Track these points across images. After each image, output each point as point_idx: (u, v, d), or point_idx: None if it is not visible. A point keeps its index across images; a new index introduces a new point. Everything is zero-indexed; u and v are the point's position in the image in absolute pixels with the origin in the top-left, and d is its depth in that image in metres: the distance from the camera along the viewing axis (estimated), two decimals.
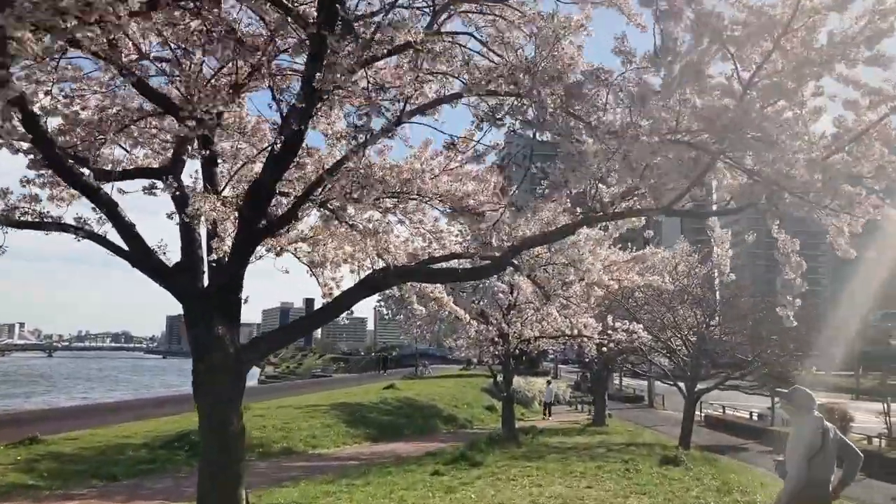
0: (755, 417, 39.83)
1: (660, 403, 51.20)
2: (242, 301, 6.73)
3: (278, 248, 9.22)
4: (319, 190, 7.11)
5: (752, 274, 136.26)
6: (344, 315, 8.89)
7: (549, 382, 43.67)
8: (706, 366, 27.70)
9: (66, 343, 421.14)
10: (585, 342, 22.50)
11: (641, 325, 20.80)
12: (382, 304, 21.40)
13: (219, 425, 6.53)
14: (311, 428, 23.12)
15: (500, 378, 25.46)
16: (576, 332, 21.61)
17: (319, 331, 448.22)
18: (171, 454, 16.90)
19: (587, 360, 36.31)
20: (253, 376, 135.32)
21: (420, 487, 13.19)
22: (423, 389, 40.36)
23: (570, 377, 72.38)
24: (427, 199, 8.30)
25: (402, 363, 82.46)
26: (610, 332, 20.94)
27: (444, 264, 8.51)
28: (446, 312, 10.06)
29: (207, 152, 6.69)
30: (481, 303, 20.93)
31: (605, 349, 22.68)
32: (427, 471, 15.26)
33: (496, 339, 21.94)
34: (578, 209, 7.41)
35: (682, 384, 27.42)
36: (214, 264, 6.55)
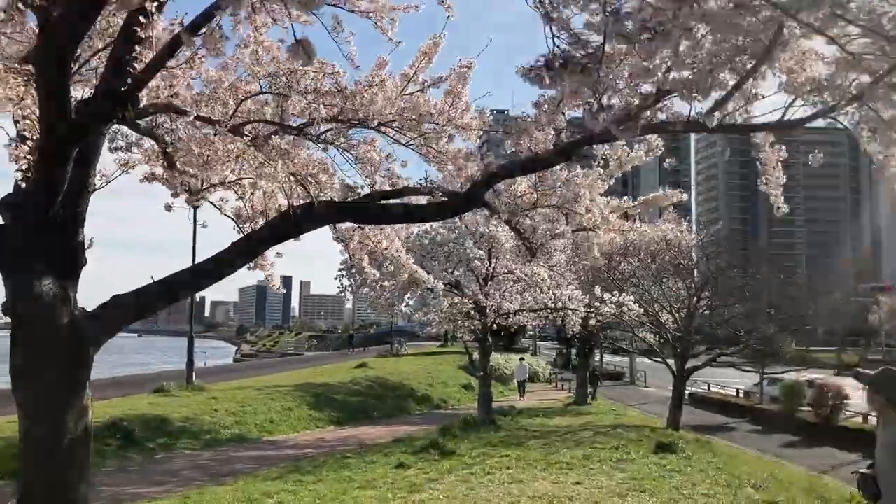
0: (741, 395, 38.47)
1: (641, 380, 49.71)
2: (83, 245, 4.58)
3: (196, 198, 7.09)
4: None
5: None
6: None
7: (522, 360, 40.74)
8: (696, 341, 25.90)
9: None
10: (569, 316, 20.58)
11: (632, 298, 18.92)
12: (343, 273, 19.21)
13: (48, 435, 4.44)
14: (268, 411, 21.02)
15: (475, 356, 23.46)
16: (559, 304, 19.72)
17: (298, 309, 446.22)
18: (99, 444, 14.69)
19: (567, 335, 34.51)
20: (229, 354, 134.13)
21: (380, 485, 11.17)
22: (396, 368, 38.39)
23: (550, 354, 70.88)
24: (378, 123, 6.19)
25: (382, 341, 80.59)
26: (597, 304, 19.05)
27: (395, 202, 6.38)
28: (405, 277, 7.92)
29: None
30: (455, 272, 18.81)
31: (592, 323, 20.80)
32: (391, 463, 13.24)
33: (472, 312, 19.92)
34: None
35: (670, 361, 25.63)
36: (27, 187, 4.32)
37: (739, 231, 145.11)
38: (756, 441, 26.53)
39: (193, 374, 25.62)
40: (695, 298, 24.83)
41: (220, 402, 20.99)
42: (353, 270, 18.16)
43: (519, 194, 6.41)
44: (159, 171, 5.97)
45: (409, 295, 19.61)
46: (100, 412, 17.78)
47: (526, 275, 17.25)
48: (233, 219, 8.44)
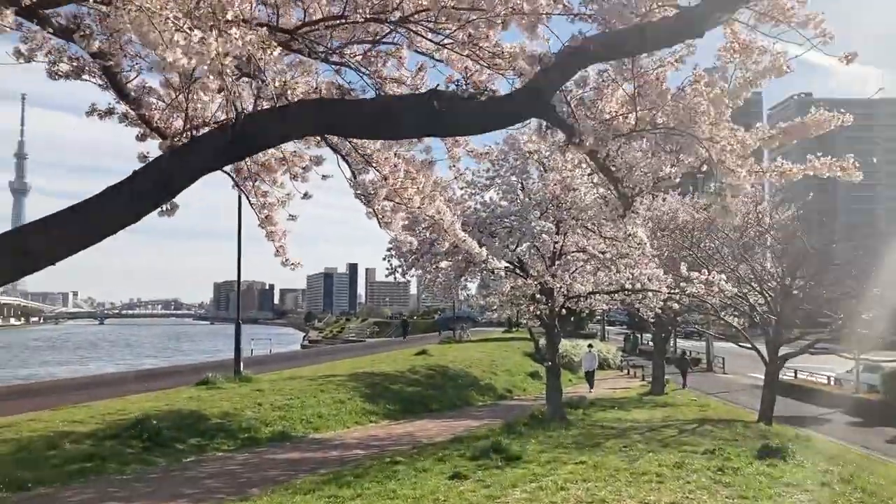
0: (832, 382, 35.22)
1: (720, 367, 46.50)
2: None
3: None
4: None
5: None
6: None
7: (590, 346, 36.81)
8: (792, 325, 23.07)
9: (118, 311, 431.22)
10: (649, 298, 18.17)
11: (723, 276, 16.39)
12: (392, 253, 17.20)
13: None
14: (318, 405, 19.31)
15: (542, 343, 21.23)
16: (638, 285, 17.33)
17: (364, 296, 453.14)
18: (122, 446, 13.19)
19: (638, 319, 31.92)
20: (296, 341, 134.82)
21: (428, 502, 9.21)
22: (458, 355, 36.35)
23: (619, 340, 67.82)
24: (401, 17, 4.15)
25: (446, 327, 79.16)
26: (683, 284, 16.61)
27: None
28: (445, 247, 5.85)
29: None
30: (518, 248, 16.55)
31: (675, 305, 18.33)
32: (445, 471, 11.24)
33: (538, 295, 17.70)
34: None
35: (760, 347, 22.88)
36: None
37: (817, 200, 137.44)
38: (859, 435, 23.63)
39: (241, 363, 24.23)
40: (789, 278, 22.02)
41: (265, 394, 19.40)
42: (404, 249, 16.24)
43: (609, 114, 4.24)
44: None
45: (467, 277, 17.50)
46: (132, 407, 16.42)
47: (602, 252, 14.96)
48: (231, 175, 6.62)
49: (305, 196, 6.40)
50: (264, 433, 15.99)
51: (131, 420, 14.29)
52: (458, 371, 30.55)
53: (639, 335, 62.35)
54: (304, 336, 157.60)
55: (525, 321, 18.31)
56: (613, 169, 4.41)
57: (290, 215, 6.62)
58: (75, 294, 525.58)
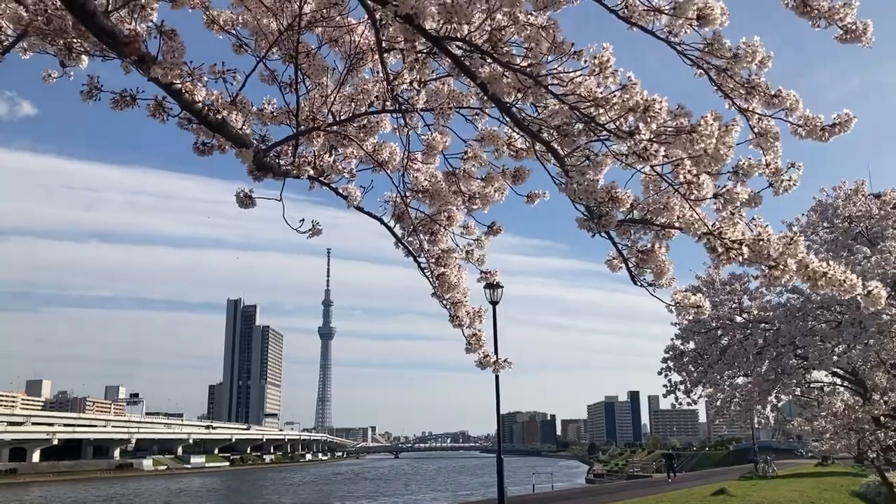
0: None
1: None
2: None
3: None
4: None
5: None
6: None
7: None
8: None
9: (411, 444, 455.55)
10: None
11: None
12: (669, 364, 13.42)
13: None
14: None
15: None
16: None
17: (649, 425, 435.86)
18: None
19: None
20: (579, 474, 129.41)
21: None
22: (767, 495, 29.87)
23: None
24: None
25: (747, 459, 70.15)
26: None
27: None
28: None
29: None
30: (852, 351, 11.76)
31: None
32: None
33: (883, 418, 12.66)
34: None
35: None
36: None
37: None
38: None
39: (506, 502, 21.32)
40: None
41: None
42: (685, 360, 12.53)
43: None
44: None
45: (778, 394, 13.01)
46: None
47: None
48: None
49: None
50: None
51: None
52: None
53: None
54: (589, 470, 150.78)
55: (872, 454, 13.05)
56: None
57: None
58: (373, 429, 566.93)
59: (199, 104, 3.36)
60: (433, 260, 3.94)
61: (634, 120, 2.75)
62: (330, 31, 3.70)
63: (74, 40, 3.33)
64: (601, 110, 2.81)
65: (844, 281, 2.76)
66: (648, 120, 2.70)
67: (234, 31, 3.76)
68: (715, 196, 2.88)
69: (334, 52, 3.81)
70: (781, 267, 2.67)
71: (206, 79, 3.43)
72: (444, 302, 3.89)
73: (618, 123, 2.80)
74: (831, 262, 2.81)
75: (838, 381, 13.04)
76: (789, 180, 3.37)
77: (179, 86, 3.27)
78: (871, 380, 12.54)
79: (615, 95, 2.78)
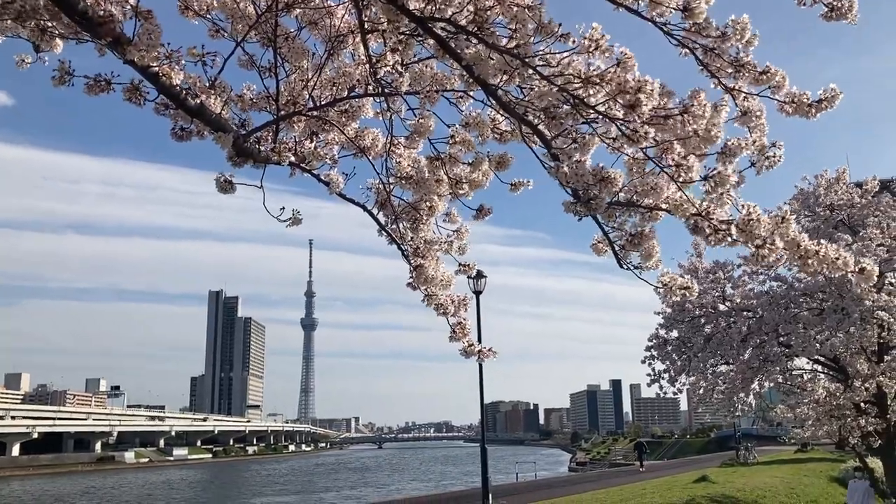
0: None
1: None
2: None
3: None
4: None
5: None
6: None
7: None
8: None
9: (394, 435, 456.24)
10: None
11: None
12: (653, 352, 13.53)
13: None
14: None
15: (876, 467, 15.71)
16: None
17: (630, 413, 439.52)
18: None
19: None
20: (562, 463, 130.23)
21: None
22: (747, 482, 30.22)
23: None
24: None
25: (726, 447, 70.93)
26: None
27: None
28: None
29: None
30: (834, 338, 11.85)
31: None
32: None
33: (863, 405, 12.80)
34: None
35: None
36: None
37: None
38: None
39: (490, 495, 21.37)
40: None
41: None
42: (669, 348, 12.60)
43: None
44: None
45: (761, 380, 13.08)
46: None
47: None
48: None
49: None
50: None
51: None
52: (749, 502, 24.80)
53: None
54: (572, 458, 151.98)
55: (853, 441, 13.17)
56: None
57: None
58: (356, 420, 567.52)
59: (178, 87, 3.27)
60: (411, 251, 3.88)
61: (626, 101, 2.71)
62: (309, 13, 3.63)
63: (48, 22, 3.22)
64: (591, 90, 2.77)
65: (837, 258, 2.74)
66: (643, 98, 2.66)
67: (209, 17, 3.66)
68: (704, 179, 2.85)
69: (314, 36, 3.73)
70: (769, 245, 2.65)
71: (183, 62, 3.34)
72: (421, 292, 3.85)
73: (608, 105, 2.76)
74: (822, 241, 2.79)
75: (820, 368, 13.15)
76: (773, 156, 3.36)
77: (156, 68, 3.17)
78: (852, 367, 12.66)
79: (610, 71, 2.74)
